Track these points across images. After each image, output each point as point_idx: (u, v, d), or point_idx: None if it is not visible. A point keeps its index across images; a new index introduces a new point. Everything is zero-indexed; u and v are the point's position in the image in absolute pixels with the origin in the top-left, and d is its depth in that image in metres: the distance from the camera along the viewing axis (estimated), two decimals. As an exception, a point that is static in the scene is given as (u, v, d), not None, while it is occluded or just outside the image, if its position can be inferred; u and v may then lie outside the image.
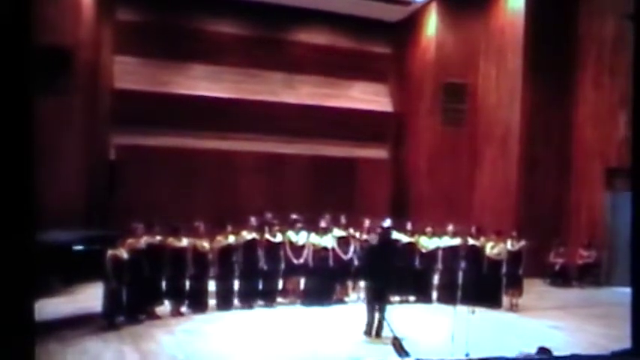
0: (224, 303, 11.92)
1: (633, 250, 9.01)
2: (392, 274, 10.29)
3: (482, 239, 13.30)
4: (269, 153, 19.24)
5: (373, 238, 11.15)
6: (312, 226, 12.89)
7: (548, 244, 16.61)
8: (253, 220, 12.49)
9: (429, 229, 13.55)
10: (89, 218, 14.77)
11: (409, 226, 13.58)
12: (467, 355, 8.23)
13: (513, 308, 12.87)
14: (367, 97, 20.94)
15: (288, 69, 19.79)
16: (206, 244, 11.73)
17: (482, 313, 9.77)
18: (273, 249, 12.38)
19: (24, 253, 5.85)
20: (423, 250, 13.35)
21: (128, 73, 17.72)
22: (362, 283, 12.52)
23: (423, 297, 13.27)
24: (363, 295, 12.20)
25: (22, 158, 5.86)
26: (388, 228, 10.68)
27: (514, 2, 18.11)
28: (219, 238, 11.94)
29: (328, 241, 12.74)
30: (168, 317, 11.20)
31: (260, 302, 12.35)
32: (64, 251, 10.59)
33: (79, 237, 11.24)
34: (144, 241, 10.92)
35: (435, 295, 13.40)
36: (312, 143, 19.81)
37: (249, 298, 12.22)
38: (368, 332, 9.92)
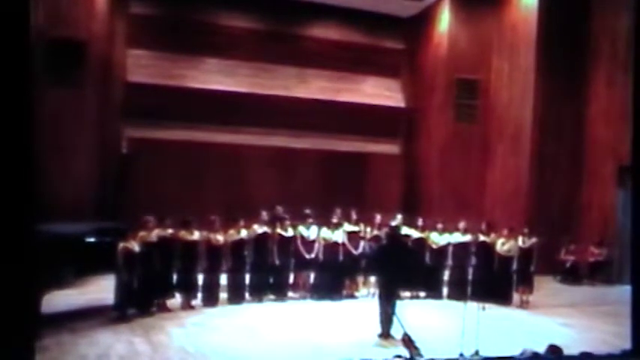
0: (235, 296, 11.98)
1: (633, 249, 8.96)
2: (402, 270, 10.24)
3: (492, 236, 13.25)
4: (281, 147, 19.18)
5: (383, 234, 11.12)
6: (323, 221, 12.92)
7: (559, 241, 16.53)
8: (265, 214, 12.52)
9: (439, 225, 13.54)
10: (101, 210, 14.84)
11: (420, 221, 13.58)
12: (476, 351, 8.23)
13: (524, 305, 12.85)
14: (379, 92, 20.86)
15: (301, 63, 19.72)
16: (220, 238, 11.79)
17: (492, 310, 9.76)
18: (284, 243, 12.42)
19: (25, 247, 5.84)
20: (434, 246, 13.34)
21: (141, 67, 17.74)
22: (372, 278, 12.54)
23: (434, 293, 13.27)
24: (373, 290, 12.21)
25: (23, 148, 5.85)
26: (395, 227, 10.65)
27: (527, -2, 18.05)
28: (232, 231, 11.98)
29: (339, 235, 12.77)
30: (179, 310, 11.27)
31: (270, 296, 12.39)
32: (75, 243, 10.57)
33: (91, 229, 11.23)
34: (155, 233, 10.97)
35: (445, 291, 13.40)
36: (324, 138, 19.78)
37: (259, 292, 12.26)
38: (382, 334, 9.72)
